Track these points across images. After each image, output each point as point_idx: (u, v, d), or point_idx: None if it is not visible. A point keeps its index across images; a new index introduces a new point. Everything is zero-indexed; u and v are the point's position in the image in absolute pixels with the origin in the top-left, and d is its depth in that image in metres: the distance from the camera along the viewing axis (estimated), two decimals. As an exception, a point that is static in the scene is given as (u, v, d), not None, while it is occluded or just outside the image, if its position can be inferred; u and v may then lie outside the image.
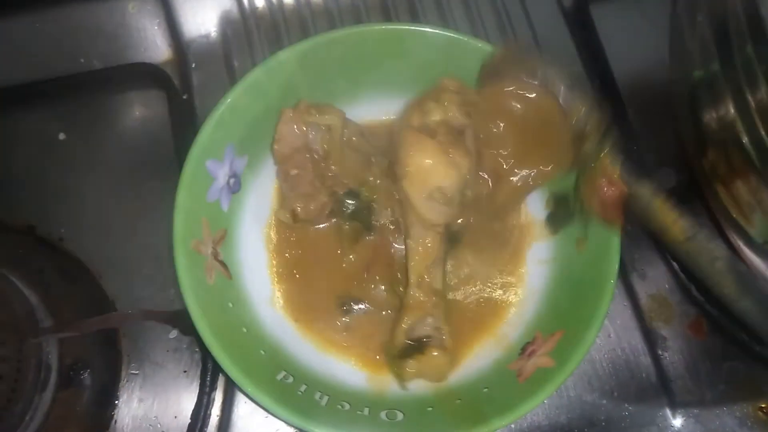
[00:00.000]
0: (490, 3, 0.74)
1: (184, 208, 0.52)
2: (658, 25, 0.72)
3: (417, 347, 0.51)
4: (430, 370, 0.52)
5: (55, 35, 0.72)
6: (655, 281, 0.65)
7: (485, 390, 0.53)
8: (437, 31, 0.59)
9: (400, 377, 0.53)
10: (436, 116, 0.54)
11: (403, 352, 0.51)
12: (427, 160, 0.52)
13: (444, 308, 0.54)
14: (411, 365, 0.51)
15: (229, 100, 0.55)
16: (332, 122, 0.54)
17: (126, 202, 0.67)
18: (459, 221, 0.59)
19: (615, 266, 0.52)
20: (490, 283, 0.59)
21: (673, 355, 0.63)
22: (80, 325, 0.55)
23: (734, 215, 0.51)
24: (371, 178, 0.56)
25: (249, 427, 0.59)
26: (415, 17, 0.73)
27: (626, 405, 0.60)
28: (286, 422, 0.50)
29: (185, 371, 0.61)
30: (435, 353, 0.51)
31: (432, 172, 0.52)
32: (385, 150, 0.58)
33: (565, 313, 0.54)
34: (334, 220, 0.59)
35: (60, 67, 0.71)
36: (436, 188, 0.53)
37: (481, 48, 0.58)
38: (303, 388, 0.52)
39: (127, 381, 0.61)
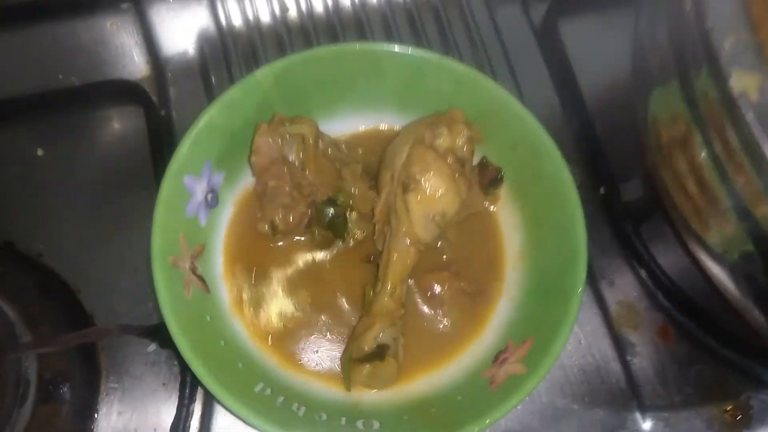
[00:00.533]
0: (461, 21, 0.76)
1: (162, 224, 0.53)
2: (624, 41, 0.75)
3: (378, 354, 0.53)
4: (381, 378, 0.54)
5: (34, 52, 0.73)
6: (624, 288, 0.67)
7: (459, 398, 0.54)
8: (410, 51, 0.60)
9: (351, 380, 0.54)
10: (446, 143, 0.57)
11: (365, 357, 0.53)
12: (441, 183, 0.55)
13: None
14: (366, 370, 0.53)
15: (206, 117, 0.56)
16: (305, 131, 0.56)
17: (105, 218, 0.67)
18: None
19: (582, 275, 0.54)
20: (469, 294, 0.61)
21: (641, 361, 0.65)
22: (59, 341, 0.55)
23: (693, 227, 0.53)
24: (350, 186, 0.58)
25: (228, 438, 0.60)
26: (389, 34, 0.75)
27: (597, 409, 0.62)
28: (263, 433, 0.51)
29: (164, 384, 0.62)
30: (391, 362, 0.53)
31: (442, 196, 0.55)
32: (365, 157, 0.62)
33: (535, 320, 0.56)
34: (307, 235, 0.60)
35: (38, 83, 0.71)
36: (440, 211, 0.55)
37: (454, 68, 0.60)
38: (280, 399, 0.53)
39: (106, 395, 0.61)
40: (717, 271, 0.54)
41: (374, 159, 0.62)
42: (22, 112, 0.71)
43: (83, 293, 0.64)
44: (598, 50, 0.75)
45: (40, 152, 0.70)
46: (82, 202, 0.68)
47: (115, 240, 0.66)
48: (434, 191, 0.55)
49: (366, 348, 0.53)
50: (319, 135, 0.58)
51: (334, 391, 0.56)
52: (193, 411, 0.60)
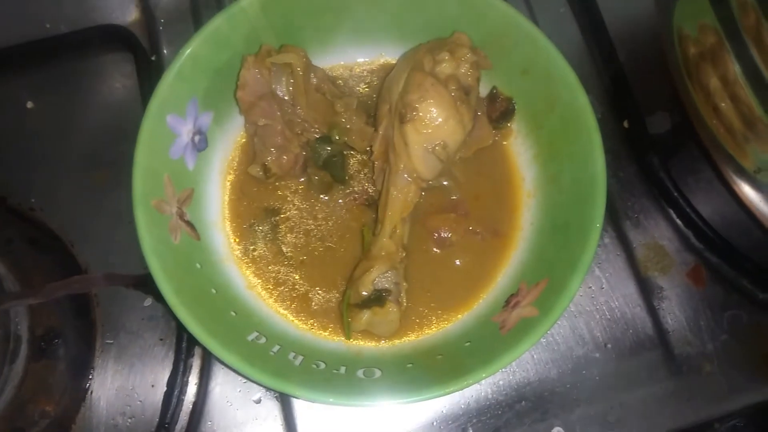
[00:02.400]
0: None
1: (143, 165, 0.50)
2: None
3: (377, 299, 0.49)
4: (382, 325, 0.50)
5: (19, 0, 0.70)
6: (651, 229, 0.62)
7: (467, 344, 0.50)
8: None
9: (351, 327, 0.51)
10: (448, 69, 0.52)
11: (364, 302, 0.49)
12: (441, 111, 0.50)
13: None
14: (366, 316, 0.49)
15: (188, 51, 0.52)
16: (293, 60, 0.51)
17: (97, 169, 0.65)
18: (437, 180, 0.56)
19: (600, 209, 0.49)
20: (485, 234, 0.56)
21: (670, 306, 0.60)
22: (43, 291, 0.53)
23: (729, 149, 0.47)
24: (345, 120, 0.53)
25: (228, 393, 0.57)
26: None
27: (621, 358, 0.58)
28: (258, 383, 0.48)
29: (161, 339, 0.59)
30: (392, 308, 0.49)
31: (442, 126, 0.50)
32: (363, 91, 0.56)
33: (550, 260, 0.51)
34: (304, 177, 0.56)
35: (25, 32, 0.68)
36: (441, 143, 0.50)
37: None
38: (276, 348, 0.50)
39: (102, 351, 0.59)
40: (756, 198, 0.48)
41: (372, 92, 0.57)
42: (10, 63, 0.68)
43: (77, 247, 0.62)
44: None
45: (29, 104, 0.67)
46: (74, 153, 0.65)
47: (108, 192, 0.63)
48: (433, 120, 0.50)
49: (364, 292, 0.49)
50: (309, 66, 0.53)
51: (333, 340, 0.52)
52: (191, 366, 0.58)
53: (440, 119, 0.50)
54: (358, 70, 0.60)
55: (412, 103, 0.49)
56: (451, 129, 0.50)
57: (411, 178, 0.51)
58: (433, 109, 0.49)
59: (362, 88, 0.59)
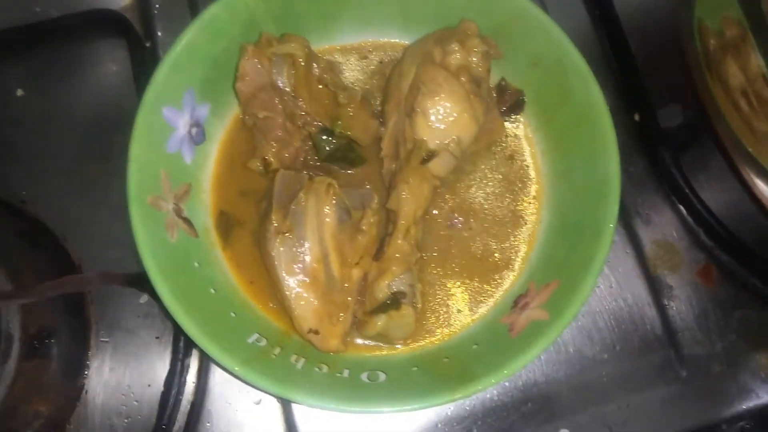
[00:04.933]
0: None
1: (139, 159, 0.48)
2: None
3: (393, 303, 0.47)
4: (399, 329, 0.48)
5: (8, -18, 0.67)
6: (661, 226, 0.60)
7: (475, 347, 0.49)
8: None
9: (364, 332, 0.49)
10: (458, 60, 0.50)
11: (380, 307, 0.47)
12: (455, 106, 0.48)
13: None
14: (381, 320, 0.47)
15: (184, 40, 0.50)
16: (295, 50, 0.49)
17: (91, 160, 0.62)
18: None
19: (614, 208, 0.47)
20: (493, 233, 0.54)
21: (679, 305, 0.58)
22: (36, 290, 0.51)
23: (748, 147, 0.45)
24: (349, 113, 0.51)
25: (227, 393, 0.56)
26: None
27: (630, 359, 0.56)
28: (258, 389, 0.46)
29: (157, 337, 0.57)
30: (408, 311, 0.47)
31: (456, 121, 0.48)
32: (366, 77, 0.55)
33: (560, 261, 0.49)
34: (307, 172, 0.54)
35: (14, 17, 0.66)
36: (455, 138, 0.49)
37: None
38: (277, 351, 0.48)
39: (97, 349, 0.57)
40: (770, 193, 0.47)
41: (377, 80, 0.55)
42: (-1, 50, 0.66)
43: (70, 242, 0.60)
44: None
45: (19, 92, 0.65)
46: (66, 144, 0.63)
47: (102, 185, 0.61)
48: (447, 115, 0.48)
49: (380, 296, 0.48)
50: (311, 56, 0.51)
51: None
52: (188, 365, 0.56)
53: (454, 114, 0.48)
54: (361, 51, 0.57)
55: (425, 97, 0.47)
56: (465, 124, 0.48)
57: (424, 176, 0.49)
58: (447, 103, 0.47)
59: (365, 74, 0.57)
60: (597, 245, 0.46)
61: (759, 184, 0.46)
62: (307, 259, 0.48)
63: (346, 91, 0.51)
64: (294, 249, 0.48)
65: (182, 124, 0.51)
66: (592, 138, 0.49)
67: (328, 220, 0.48)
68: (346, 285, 0.48)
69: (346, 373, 0.48)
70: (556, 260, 0.50)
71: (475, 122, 0.49)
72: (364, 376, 0.47)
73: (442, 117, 0.48)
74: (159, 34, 0.65)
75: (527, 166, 0.55)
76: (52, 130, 0.63)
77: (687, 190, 0.60)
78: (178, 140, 0.51)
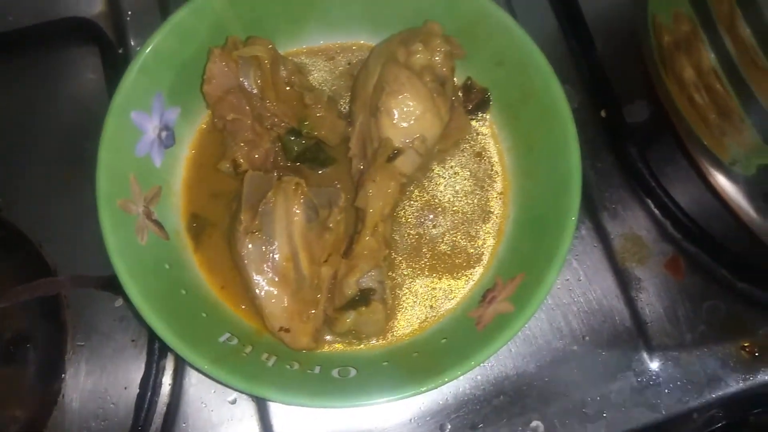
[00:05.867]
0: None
1: (108, 164, 0.49)
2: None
3: (362, 300, 0.48)
4: (369, 325, 0.49)
5: (-20, -8, 0.67)
6: (629, 220, 0.61)
7: (443, 341, 0.50)
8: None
9: (336, 329, 0.50)
10: (422, 60, 0.51)
11: (349, 303, 0.48)
12: (418, 104, 0.49)
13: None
14: (351, 317, 0.48)
15: (152, 44, 0.51)
16: (260, 53, 0.50)
17: (65, 166, 0.63)
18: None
19: (576, 201, 0.48)
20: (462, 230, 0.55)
21: (648, 297, 0.59)
22: (9, 294, 0.51)
23: (703, 140, 0.46)
24: (317, 111, 0.52)
25: (203, 393, 0.56)
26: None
27: (599, 350, 0.57)
28: (230, 387, 0.47)
29: (133, 340, 0.58)
30: (378, 307, 0.48)
31: (419, 119, 0.49)
32: (334, 80, 0.55)
33: (526, 254, 0.50)
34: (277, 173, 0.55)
35: (-13, 26, 0.66)
36: (419, 137, 0.49)
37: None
38: (248, 349, 0.49)
39: (73, 354, 0.58)
40: (732, 190, 0.48)
41: (344, 81, 0.56)
42: (-28, 57, 0.66)
43: (45, 247, 0.60)
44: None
45: (-8, 99, 0.65)
46: (41, 150, 0.64)
47: (76, 190, 0.61)
48: (411, 114, 0.49)
49: (348, 292, 0.48)
50: (278, 58, 0.52)
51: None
52: (164, 367, 0.57)
53: (417, 112, 0.49)
54: (328, 52, 0.58)
55: (388, 96, 0.48)
56: (429, 122, 0.49)
57: (390, 174, 0.50)
58: (410, 102, 0.48)
59: (333, 75, 0.57)
60: (560, 238, 0.47)
61: (716, 175, 0.47)
62: (277, 257, 0.48)
63: (313, 92, 0.52)
64: (263, 248, 0.48)
65: (151, 128, 0.52)
66: (553, 133, 0.50)
67: (296, 219, 0.48)
68: (315, 282, 0.49)
69: (317, 369, 0.48)
70: (521, 254, 0.51)
71: (439, 120, 0.50)
72: (335, 372, 0.48)
73: (406, 115, 0.49)
74: (131, 40, 0.65)
75: (494, 163, 0.56)
76: (27, 137, 0.64)
77: (653, 184, 0.61)
78: (148, 144, 0.52)
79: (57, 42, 0.67)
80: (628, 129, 0.62)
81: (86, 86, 0.66)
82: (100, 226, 0.58)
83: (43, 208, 0.62)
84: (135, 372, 0.57)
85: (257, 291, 0.48)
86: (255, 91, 0.51)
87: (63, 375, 0.57)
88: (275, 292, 0.48)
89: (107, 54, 0.65)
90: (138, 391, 0.56)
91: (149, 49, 0.51)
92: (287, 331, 0.49)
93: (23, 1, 0.67)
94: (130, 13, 0.66)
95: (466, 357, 0.45)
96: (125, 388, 0.57)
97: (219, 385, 0.56)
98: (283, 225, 0.48)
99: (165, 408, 0.56)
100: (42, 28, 0.66)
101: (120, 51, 0.65)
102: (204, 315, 0.50)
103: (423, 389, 0.45)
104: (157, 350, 0.56)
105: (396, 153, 0.50)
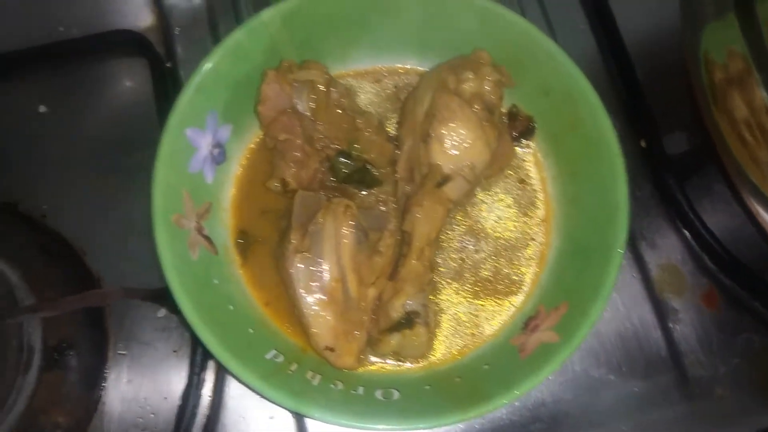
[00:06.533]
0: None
1: (164, 180, 0.49)
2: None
3: (407, 323, 0.49)
4: (412, 348, 0.50)
5: (32, 2, 0.69)
6: (666, 250, 0.62)
7: (485, 367, 0.50)
8: (430, -15, 0.55)
9: (378, 350, 0.50)
10: (472, 87, 0.52)
11: (394, 326, 0.49)
12: (469, 133, 0.50)
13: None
14: (395, 339, 0.49)
15: (209, 64, 0.52)
16: (315, 77, 0.51)
17: (110, 176, 0.64)
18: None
19: (623, 234, 0.49)
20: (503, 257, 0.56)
21: (684, 328, 0.60)
22: (60, 304, 0.52)
23: (752, 177, 0.47)
24: (367, 135, 0.53)
25: (242, 407, 0.57)
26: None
27: (635, 380, 0.58)
28: (274, 402, 0.47)
29: (175, 351, 0.59)
30: (422, 330, 0.49)
31: (470, 147, 0.50)
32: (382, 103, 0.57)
33: (570, 284, 0.51)
34: (323, 193, 0.55)
35: (38, 35, 0.67)
36: (469, 164, 0.51)
37: (480, 3, 0.54)
38: (294, 367, 0.49)
39: (114, 362, 0.58)
40: (774, 224, 0.48)
41: (390, 104, 0.57)
42: (23, 66, 0.67)
43: (89, 256, 0.61)
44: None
45: (42, 109, 0.66)
46: (86, 160, 0.65)
47: (121, 200, 0.63)
48: (461, 142, 0.50)
49: (394, 315, 0.49)
50: (331, 82, 0.53)
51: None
52: (204, 379, 0.57)
53: (468, 140, 0.50)
54: (375, 75, 0.59)
55: (440, 124, 0.49)
56: (479, 150, 0.50)
57: (438, 199, 0.50)
58: (461, 131, 0.49)
59: (380, 98, 0.58)
60: (606, 269, 0.48)
61: (762, 213, 0.48)
62: (325, 277, 0.49)
63: (364, 116, 0.53)
64: (312, 268, 0.49)
65: (204, 145, 0.53)
66: (601, 165, 0.51)
67: (345, 240, 0.49)
68: (362, 304, 0.50)
69: (360, 390, 0.49)
70: (565, 283, 0.51)
71: (488, 149, 0.51)
72: (378, 394, 0.49)
73: (457, 143, 0.50)
74: (179, 54, 0.66)
75: (537, 190, 0.57)
76: (73, 146, 0.65)
77: (691, 216, 0.61)
78: (200, 160, 0.53)
79: (106, 54, 0.68)
80: (667, 160, 0.63)
81: (134, 98, 0.67)
82: (150, 238, 0.60)
83: (87, 218, 0.63)
84: (175, 383, 0.57)
85: (305, 309, 0.49)
86: (307, 113, 0.52)
87: (104, 382, 0.58)
88: (322, 312, 0.49)
89: (155, 67, 0.66)
90: (178, 401, 0.56)
91: (206, 68, 0.52)
92: (332, 350, 0.49)
93: (74, 13, 0.69)
94: (178, 28, 0.67)
95: (510, 385, 0.46)
96: (165, 398, 0.57)
97: (258, 400, 0.56)
98: (332, 245, 0.49)
99: (204, 420, 0.56)
100: (92, 39, 0.67)
101: (168, 65, 0.66)
102: (251, 331, 0.51)
103: (468, 416, 0.45)
104: (198, 362, 0.57)
105: (445, 179, 0.51)
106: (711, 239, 0.61)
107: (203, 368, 0.57)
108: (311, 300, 0.49)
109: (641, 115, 0.64)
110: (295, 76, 0.51)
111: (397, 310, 0.49)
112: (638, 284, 0.60)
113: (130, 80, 0.67)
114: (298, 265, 0.49)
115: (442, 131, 0.50)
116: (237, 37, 0.53)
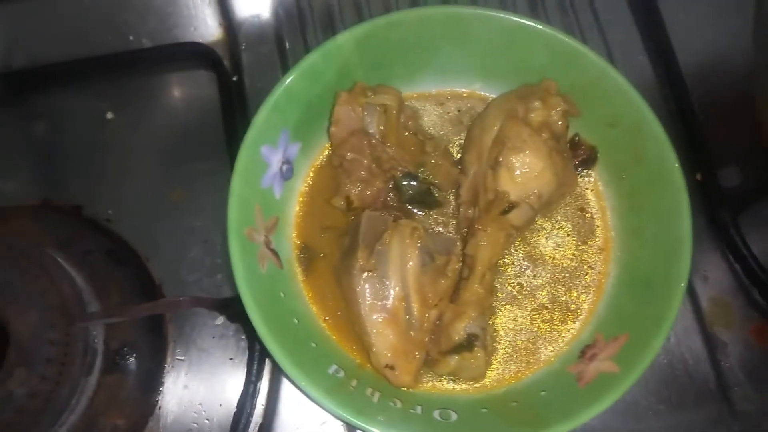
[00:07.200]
0: (551, -14, 0.71)
1: (239, 194, 0.51)
2: (726, 11, 0.69)
3: (467, 345, 0.50)
4: (469, 370, 0.51)
5: (104, 11, 0.71)
6: (717, 283, 0.62)
7: (542, 393, 0.51)
8: (500, 14, 0.56)
9: (436, 370, 0.52)
10: (540, 116, 0.53)
11: (454, 348, 0.50)
12: (538, 162, 0.51)
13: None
14: (454, 361, 0.50)
15: (285, 84, 0.53)
16: (389, 102, 0.52)
17: (174, 184, 0.66)
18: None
19: (686, 268, 0.50)
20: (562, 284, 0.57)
21: (733, 362, 0.60)
22: (129, 311, 0.54)
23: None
24: (433, 161, 0.54)
25: (295, 417, 0.58)
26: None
27: (684, 411, 0.58)
28: (337, 417, 0.49)
29: (231, 358, 0.60)
30: (480, 353, 0.50)
31: (539, 176, 0.51)
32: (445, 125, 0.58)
33: (629, 315, 0.52)
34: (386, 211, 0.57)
35: (108, 44, 0.70)
36: (536, 192, 0.52)
37: (548, 34, 0.55)
38: (354, 383, 0.51)
39: (172, 367, 0.60)
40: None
41: (452, 128, 0.58)
42: (92, 73, 0.70)
43: (152, 261, 0.63)
44: (700, 17, 0.69)
45: (109, 115, 0.68)
46: (151, 167, 0.67)
47: (184, 208, 0.65)
48: (531, 171, 0.51)
49: (456, 338, 0.50)
50: (402, 106, 0.54)
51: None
52: (260, 388, 0.59)
53: (537, 170, 0.51)
54: (439, 98, 0.61)
55: (510, 152, 0.50)
56: (547, 179, 0.51)
57: (502, 226, 0.52)
58: (531, 159, 0.50)
59: (442, 120, 0.60)
60: (669, 303, 0.48)
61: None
62: (390, 297, 0.50)
63: (433, 140, 0.54)
64: (377, 287, 0.51)
65: (275, 161, 0.55)
66: (665, 199, 0.52)
67: (411, 263, 0.50)
68: (424, 325, 0.51)
69: (418, 409, 0.50)
70: (624, 314, 0.52)
71: (556, 178, 0.52)
72: (436, 414, 0.50)
73: (527, 172, 0.51)
74: (245, 69, 0.68)
75: (597, 219, 0.58)
76: (139, 153, 0.67)
77: (744, 250, 0.62)
78: (271, 176, 0.54)
79: (173, 65, 0.70)
80: (722, 193, 0.63)
81: (200, 109, 0.68)
82: (207, 244, 0.62)
83: (150, 224, 0.64)
84: (231, 390, 0.59)
85: (368, 327, 0.50)
86: (377, 135, 0.54)
87: (161, 387, 0.59)
88: (385, 331, 0.50)
89: (222, 80, 0.68)
90: (233, 408, 0.58)
91: (282, 88, 0.53)
92: (392, 368, 0.51)
93: (144, 24, 0.71)
94: (245, 43, 0.69)
95: (570, 414, 0.47)
96: (220, 405, 0.59)
97: (310, 410, 0.58)
98: (397, 266, 0.50)
99: (257, 428, 0.58)
100: (161, 50, 0.70)
101: (234, 78, 0.68)
102: (314, 345, 0.52)
103: (527, 441, 0.46)
104: (255, 371, 0.58)
105: (511, 206, 0.52)
106: (762, 273, 0.61)
107: (259, 377, 0.59)
108: (375, 318, 0.50)
109: (697, 148, 0.64)
110: (370, 100, 0.52)
111: (458, 333, 0.50)
112: (690, 316, 0.61)
113: (196, 92, 0.69)
114: (364, 284, 0.50)
115: (512, 159, 0.51)
116: (313, 59, 0.54)
